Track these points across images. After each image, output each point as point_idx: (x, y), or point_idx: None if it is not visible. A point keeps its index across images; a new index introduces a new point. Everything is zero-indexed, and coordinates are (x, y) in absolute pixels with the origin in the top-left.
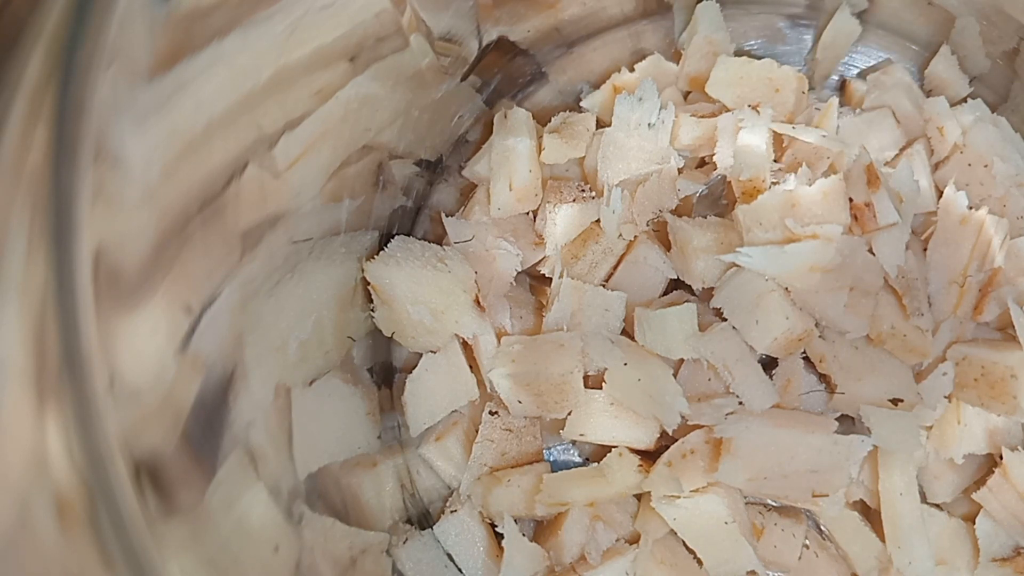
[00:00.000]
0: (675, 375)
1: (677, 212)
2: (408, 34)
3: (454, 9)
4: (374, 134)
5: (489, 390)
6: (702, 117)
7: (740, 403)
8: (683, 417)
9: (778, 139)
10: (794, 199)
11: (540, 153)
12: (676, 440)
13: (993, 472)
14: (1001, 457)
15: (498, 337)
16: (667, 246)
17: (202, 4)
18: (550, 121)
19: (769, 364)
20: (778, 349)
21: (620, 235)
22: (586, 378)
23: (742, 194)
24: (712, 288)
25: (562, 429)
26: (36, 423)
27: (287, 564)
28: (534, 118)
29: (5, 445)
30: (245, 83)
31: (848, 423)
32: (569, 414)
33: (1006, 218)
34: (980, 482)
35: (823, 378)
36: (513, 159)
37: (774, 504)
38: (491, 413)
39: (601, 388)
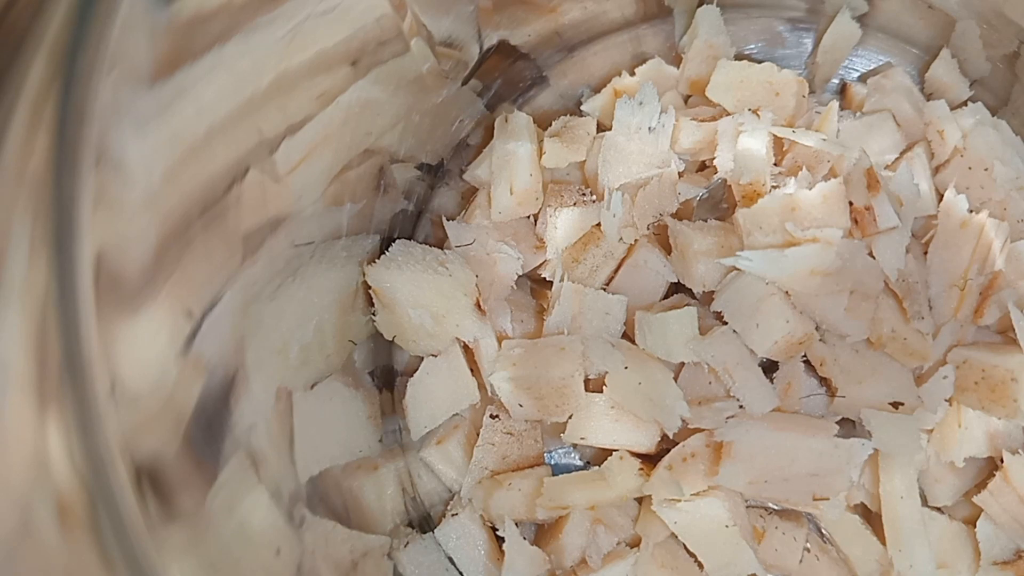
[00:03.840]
0: (676, 378)
1: (677, 215)
2: (409, 39)
3: (455, 14)
4: (375, 138)
5: (490, 393)
6: (702, 121)
7: (741, 407)
8: (683, 421)
9: (778, 143)
10: (794, 203)
11: (541, 157)
12: (677, 444)
13: (994, 475)
14: (1002, 460)
15: (499, 341)
16: (667, 250)
17: (203, 10)
18: (551, 125)
19: (769, 367)
20: (778, 352)
21: (620, 239)
22: (587, 382)
23: (742, 198)
24: (713, 292)
25: (563, 433)
26: (37, 426)
27: (289, 567)
28: (535, 122)
29: (7, 448)
30: (246, 88)
31: (849, 426)
32: (570, 418)
33: (1006, 222)
34: (981, 485)
35: (823, 381)
36: (514, 163)
37: (775, 507)
38: (492, 416)
39: (602, 391)
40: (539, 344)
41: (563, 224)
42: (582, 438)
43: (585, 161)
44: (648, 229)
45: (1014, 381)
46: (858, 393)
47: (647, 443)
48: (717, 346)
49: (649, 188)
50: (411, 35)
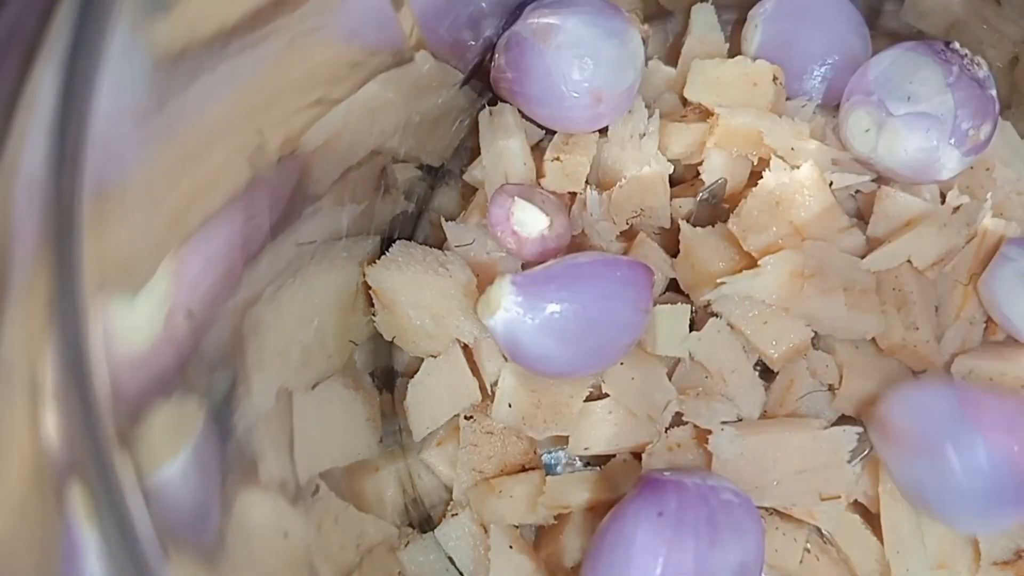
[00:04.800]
0: (671, 373)
1: (677, 216)
2: (410, 40)
3: (455, 15)
4: (376, 140)
5: (488, 387)
6: (691, 123)
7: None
8: (678, 414)
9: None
10: (777, 197)
11: (536, 158)
12: None
13: None
14: None
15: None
16: (670, 251)
17: (204, 13)
18: (552, 137)
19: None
20: (781, 360)
21: (599, 235)
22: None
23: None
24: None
25: (565, 445)
26: (39, 427)
27: (298, 549)
28: (536, 124)
29: (7, 449)
30: (247, 93)
31: (850, 425)
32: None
33: (1009, 221)
34: None
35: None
36: (507, 157)
37: (775, 507)
38: (466, 418)
39: (598, 400)
40: None
41: None
42: (586, 448)
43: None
44: (628, 224)
45: None
46: (860, 388)
47: (648, 439)
48: (710, 343)
49: (627, 185)
50: (411, 37)
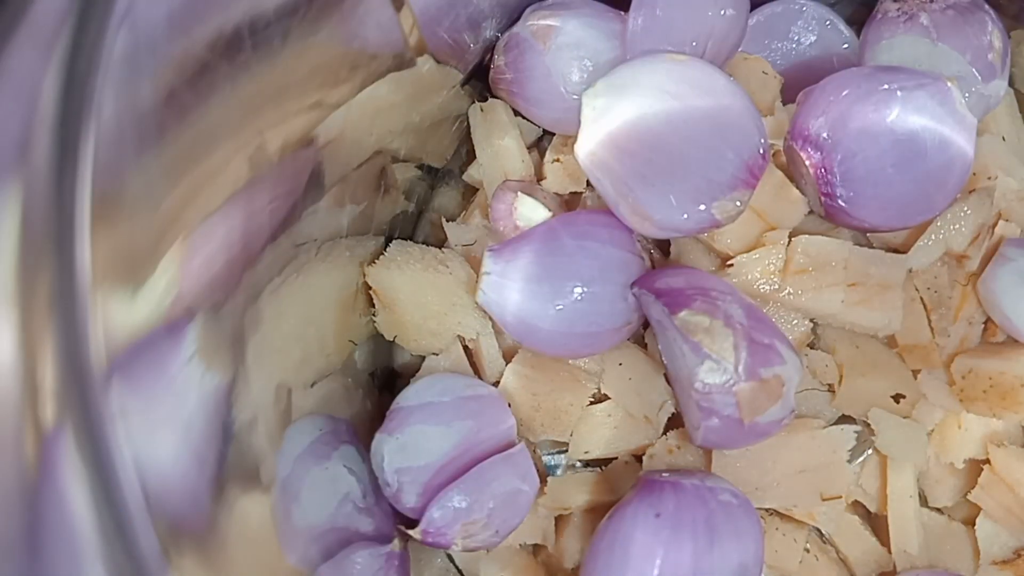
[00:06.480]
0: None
1: None
2: (410, 41)
3: (455, 15)
4: (376, 140)
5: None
6: None
7: None
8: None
9: None
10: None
11: (535, 158)
12: None
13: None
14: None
15: (506, 357)
16: (666, 251)
17: (205, 14)
18: (550, 139)
19: None
20: None
21: None
22: None
23: None
24: None
25: (567, 449)
26: (39, 430)
27: None
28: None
29: (7, 451)
30: (247, 94)
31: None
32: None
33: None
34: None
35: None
36: (503, 156)
37: (776, 508)
38: None
39: (598, 404)
40: (562, 363)
41: None
42: (586, 452)
43: None
44: None
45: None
46: (861, 387)
47: (648, 440)
48: None
49: None
50: (412, 38)
